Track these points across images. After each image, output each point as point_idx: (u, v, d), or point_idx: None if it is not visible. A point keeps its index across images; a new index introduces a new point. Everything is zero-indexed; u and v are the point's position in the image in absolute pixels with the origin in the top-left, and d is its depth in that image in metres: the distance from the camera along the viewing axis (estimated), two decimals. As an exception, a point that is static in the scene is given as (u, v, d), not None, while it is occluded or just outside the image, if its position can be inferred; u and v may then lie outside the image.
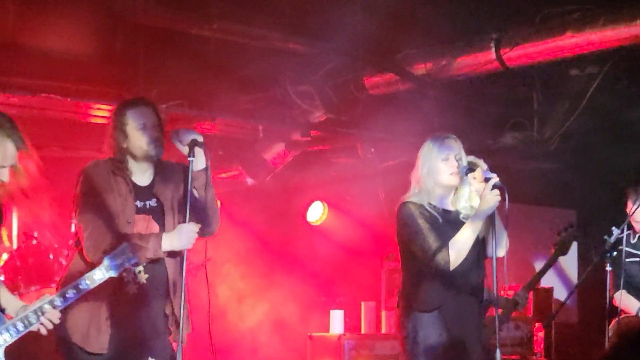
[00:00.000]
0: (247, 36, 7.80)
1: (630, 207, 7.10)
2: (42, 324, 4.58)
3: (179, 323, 5.27)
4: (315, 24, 7.81)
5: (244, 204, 10.20)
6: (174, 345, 5.43)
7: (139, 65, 8.11)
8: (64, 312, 4.79)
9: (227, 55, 8.03)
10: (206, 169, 5.32)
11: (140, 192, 5.34)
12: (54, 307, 4.59)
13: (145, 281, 5.27)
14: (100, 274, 4.71)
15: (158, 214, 5.36)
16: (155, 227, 5.34)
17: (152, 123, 5.35)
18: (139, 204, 5.29)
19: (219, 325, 9.23)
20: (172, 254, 5.34)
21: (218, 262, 9.65)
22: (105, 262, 4.73)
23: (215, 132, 9.02)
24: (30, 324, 4.55)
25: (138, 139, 5.32)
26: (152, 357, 5.36)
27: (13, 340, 4.54)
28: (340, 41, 7.89)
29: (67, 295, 4.63)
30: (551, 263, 7.36)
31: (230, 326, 9.95)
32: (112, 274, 4.76)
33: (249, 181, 9.77)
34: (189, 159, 5.22)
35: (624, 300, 7.17)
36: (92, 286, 4.71)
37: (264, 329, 9.98)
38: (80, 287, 4.68)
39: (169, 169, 5.49)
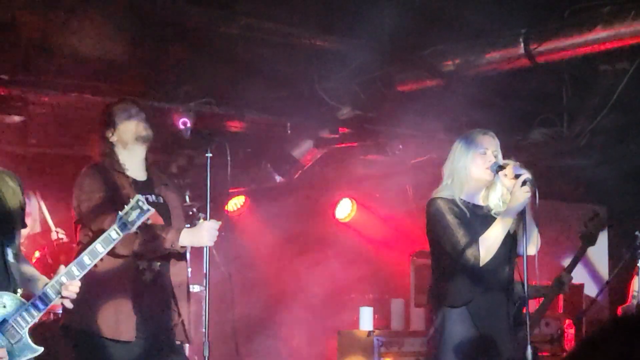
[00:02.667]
0: (274, 33, 7.79)
1: None
2: (63, 297, 4.49)
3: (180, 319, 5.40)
4: (343, 20, 7.80)
5: (272, 201, 10.20)
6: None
7: (168, 63, 8.13)
8: (90, 308, 4.83)
9: (255, 53, 8.03)
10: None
11: (140, 187, 5.45)
12: (73, 277, 4.51)
13: (159, 268, 5.35)
14: (115, 234, 4.64)
15: (162, 210, 5.45)
16: (160, 220, 5.42)
17: (137, 111, 5.61)
18: (141, 197, 5.38)
19: (245, 319, 9.26)
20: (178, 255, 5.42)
21: (246, 259, 9.66)
22: (118, 220, 4.65)
23: (244, 130, 9.03)
24: (50, 300, 4.47)
25: (126, 125, 5.54)
26: (177, 341, 5.46)
27: (36, 319, 4.48)
28: (368, 38, 7.87)
29: (84, 263, 4.54)
30: (580, 255, 7.32)
31: (258, 321, 9.95)
32: (127, 230, 4.66)
33: (278, 178, 9.77)
34: (207, 155, 5.35)
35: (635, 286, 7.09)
36: (108, 248, 4.62)
37: (292, 324, 9.98)
38: (97, 249, 4.58)
39: (164, 176, 5.67)
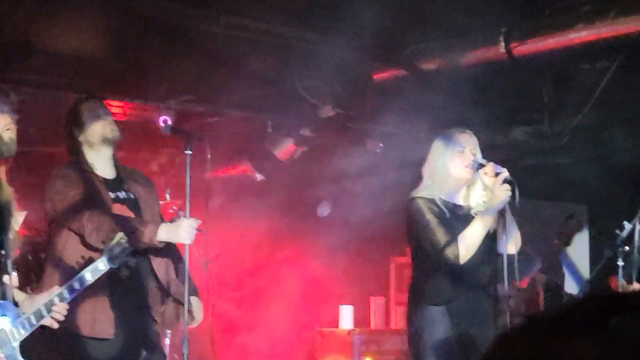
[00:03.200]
0: (255, 31, 7.77)
1: None
2: (52, 317, 4.65)
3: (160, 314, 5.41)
4: (324, 18, 7.78)
5: (252, 199, 10.17)
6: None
7: (148, 61, 8.09)
8: (71, 307, 4.85)
9: (236, 51, 8.01)
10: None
11: (110, 184, 5.45)
12: (62, 299, 4.67)
13: (135, 264, 5.34)
14: (102, 266, 4.84)
15: (132, 206, 5.44)
16: (132, 216, 5.43)
17: (105, 112, 5.56)
18: (111, 194, 5.39)
19: (224, 316, 9.24)
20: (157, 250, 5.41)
21: (226, 257, 9.64)
22: (105, 254, 4.83)
23: (224, 128, 9.00)
24: (42, 317, 4.67)
25: (94, 125, 5.49)
26: (150, 344, 5.45)
27: (28, 334, 4.63)
28: (349, 36, 7.86)
29: (74, 287, 4.75)
30: (556, 255, 7.35)
31: (237, 318, 9.93)
32: (114, 265, 4.88)
33: (258, 176, 9.75)
34: (186, 152, 5.34)
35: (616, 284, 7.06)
36: (96, 277, 4.84)
37: (272, 322, 9.96)
38: (85, 279, 4.80)
39: (133, 172, 5.65)
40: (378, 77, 8.51)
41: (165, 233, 5.29)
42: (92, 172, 5.48)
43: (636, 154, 9.26)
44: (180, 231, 5.27)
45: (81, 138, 5.52)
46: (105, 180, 5.49)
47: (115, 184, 5.51)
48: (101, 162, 5.53)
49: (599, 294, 1.07)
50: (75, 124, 5.53)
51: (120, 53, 7.86)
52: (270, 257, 10.23)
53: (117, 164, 5.64)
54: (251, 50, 8.06)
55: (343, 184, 10.49)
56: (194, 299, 5.57)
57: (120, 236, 4.88)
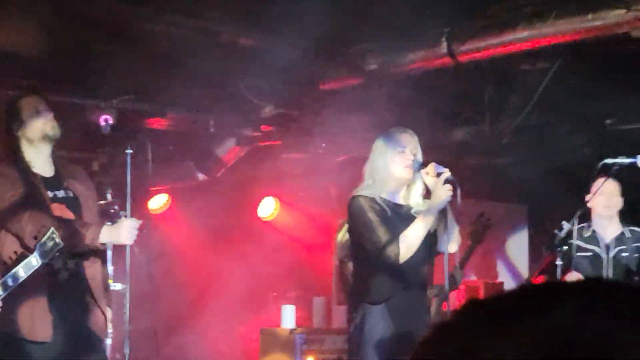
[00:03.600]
0: (198, 31, 7.74)
1: (596, 187, 6.97)
2: None
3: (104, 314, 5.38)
4: (267, 18, 7.77)
5: (195, 199, 10.14)
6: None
7: (90, 60, 8.02)
8: (7, 308, 4.81)
9: (179, 50, 7.97)
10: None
11: (48, 183, 5.39)
12: None
13: (74, 266, 5.29)
14: (35, 261, 4.86)
15: (71, 205, 5.39)
16: (71, 216, 5.37)
17: (45, 108, 5.48)
18: (50, 193, 5.33)
19: (167, 317, 9.19)
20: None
21: (169, 257, 9.60)
22: (37, 249, 4.83)
23: (166, 127, 8.96)
24: None
25: (34, 122, 5.42)
26: (90, 345, 5.41)
27: None
28: (292, 36, 7.86)
29: (7, 284, 4.71)
30: (469, 253, 7.45)
31: (180, 319, 9.89)
32: (45, 260, 4.90)
33: (200, 176, 9.72)
34: (127, 152, 5.31)
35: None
36: (29, 273, 4.85)
37: (215, 322, 9.94)
38: (18, 275, 4.82)
39: (71, 168, 5.58)
40: (321, 77, 8.52)
41: (107, 235, 5.26)
42: (30, 171, 5.40)
43: (576, 155, 9.37)
44: (122, 232, 5.24)
45: (19, 134, 5.44)
46: (43, 179, 5.42)
47: (54, 182, 5.44)
48: (40, 159, 5.46)
49: (539, 283, 1.08)
50: (14, 119, 5.44)
51: (61, 51, 7.79)
52: (213, 257, 10.20)
53: (56, 161, 5.57)
54: (194, 50, 8.03)
55: (286, 184, 10.50)
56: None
57: (51, 231, 4.84)
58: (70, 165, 5.73)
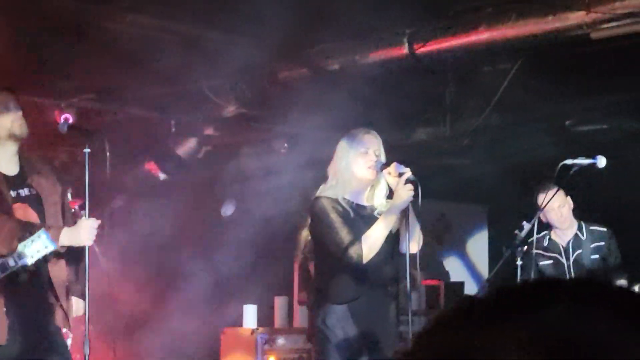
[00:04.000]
0: (159, 29, 7.71)
1: (540, 201, 7.05)
2: None
3: (66, 313, 5.33)
4: (228, 17, 7.76)
5: (155, 199, 10.10)
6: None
7: (49, 58, 7.97)
8: None
9: (139, 48, 7.93)
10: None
11: (11, 182, 5.32)
12: None
13: (34, 268, 5.25)
14: (12, 262, 4.86)
15: (34, 203, 5.34)
16: (33, 215, 5.32)
17: (15, 106, 5.38)
18: (12, 193, 5.27)
19: (128, 317, 9.15)
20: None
21: (129, 257, 9.55)
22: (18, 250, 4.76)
23: (127, 127, 8.92)
24: None
25: (2, 118, 5.34)
26: (51, 346, 5.37)
27: None
28: (253, 35, 7.85)
29: None
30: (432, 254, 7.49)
31: (140, 319, 9.85)
32: (24, 262, 4.87)
33: (161, 176, 9.68)
34: (85, 151, 5.27)
35: None
36: (3, 275, 4.85)
37: (176, 322, 9.89)
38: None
39: (37, 163, 5.51)
40: (283, 76, 8.51)
41: (67, 238, 5.22)
42: None
43: (535, 155, 9.43)
44: (81, 233, 5.21)
45: None
46: (6, 177, 5.35)
47: (17, 181, 5.37)
48: (4, 157, 5.39)
49: (534, 281, 1.07)
50: None
51: (21, 50, 7.74)
52: (174, 257, 10.17)
53: (22, 158, 5.49)
54: (155, 49, 8.00)
55: (247, 184, 10.49)
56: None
57: (39, 233, 4.83)
58: (37, 160, 5.63)
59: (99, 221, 5.28)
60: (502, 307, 1.02)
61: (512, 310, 1.01)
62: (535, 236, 6.86)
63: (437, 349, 1.01)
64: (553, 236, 7.37)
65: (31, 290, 5.32)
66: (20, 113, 5.41)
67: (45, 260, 5.32)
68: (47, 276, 5.39)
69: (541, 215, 7.13)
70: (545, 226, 7.39)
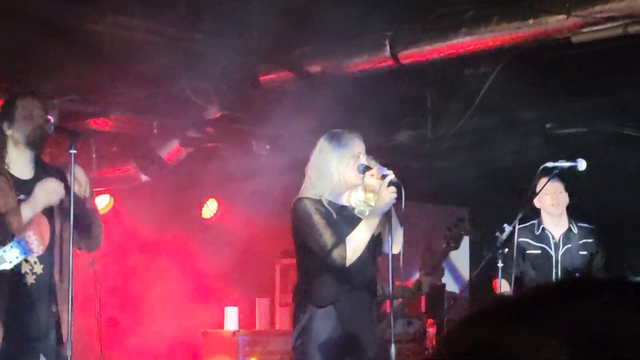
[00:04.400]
0: (142, 31, 7.71)
1: (540, 185, 7.05)
2: None
3: (60, 322, 5.30)
4: (211, 19, 7.77)
5: (137, 200, 10.09)
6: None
7: (31, 59, 7.96)
8: None
9: (122, 50, 7.93)
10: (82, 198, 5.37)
11: (23, 186, 5.30)
12: None
13: (42, 271, 5.24)
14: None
15: (45, 209, 5.31)
16: (44, 220, 5.30)
17: (39, 113, 5.36)
18: (22, 197, 5.25)
19: (111, 319, 9.14)
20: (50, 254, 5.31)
21: (110, 258, 9.54)
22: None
23: (109, 128, 8.91)
24: None
25: (24, 124, 5.31)
26: (43, 355, 5.34)
27: None
28: (236, 37, 7.86)
29: None
30: (442, 258, 7.47)
31: (123, 320, 9.84)
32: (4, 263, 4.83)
33: (143, 178, 9.68)
34: (70, 152, 5.24)
35: (499, 285, 7.19)
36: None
37: (158, 324, 9.90)
38: None
39: (50, 170, 5.48)
40: (265, 78, 8.52)
41: (27, 208, 5.18)
42: (6, 174, 5.30)
43: (516, 158, 9.48)
44: (38, 195, 5.18)
45: (9, 133, 5.35)
46: (17, 181, 5.31)
47: (28, 185, 5.32)
48: (20, 162, 5.34)
49: (568, 279, 1.06)
50: (6, 117, 5.35)
51: (3, 51, 7.73)
52: (156, 258, 10.17)
53: (38, 165, 5.45)
54: (137, 50, 7.99)
55: (229, 185, 10.49)
56: None
57: (18, 239, 4.82)
58: (51, 167, 5.61)
59: (62, 184, 5.23)
60: (532, 305, 1.01)
61: (543, 307, 1.00)
62: (517, 226, 6.87)
63: (467, 344, 1.00)
64: (546, 226, 7.40)
65: (34, 294, 5.29)
66: (41, 121, 5.35)
67: (53, 264, 5.31)
68: (50, 284, 5.35)
69: (535, 201, 7.17)
70: (534, 217, 7.43)
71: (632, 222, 9.50)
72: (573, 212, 7.48)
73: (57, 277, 5.38)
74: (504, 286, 7.15)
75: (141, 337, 9.94)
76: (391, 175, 5.26)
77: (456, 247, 7.40)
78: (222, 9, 7.58)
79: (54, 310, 5.39)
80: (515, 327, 0.99)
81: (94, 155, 5.45)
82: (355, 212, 5.50)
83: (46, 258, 5.30)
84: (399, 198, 5.24)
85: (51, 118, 5.51)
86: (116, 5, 7.44)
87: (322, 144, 5.51)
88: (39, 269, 5.27)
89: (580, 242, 7.36)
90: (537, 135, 9.38)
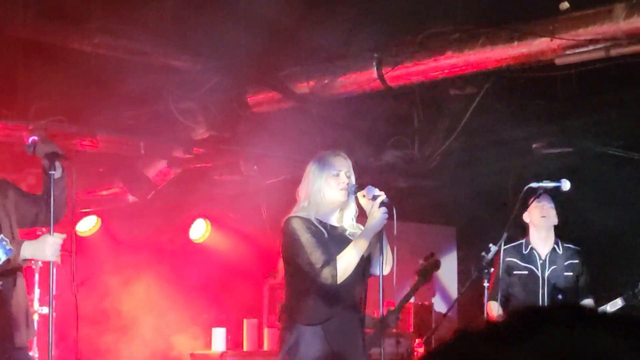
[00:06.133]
0: (128, 52, 7.73)
1: (530, 200, 7.08)
2: None
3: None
4: (198, 40, 7.79)
5: (125, 221, 10.08)
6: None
7: (18, 80, 7.96)
8: None
9: (109, 71, 7.95)
10: (62, 177, 5.37)
11: None
12: None
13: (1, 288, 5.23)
14: None
15: None
16: None
17: None
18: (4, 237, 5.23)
19: (95, 341, 9.11)
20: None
21: (98, 280, 9.53)
22: None
23: (96, 149, 8.91)
24: None
25: None
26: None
27: None
28: (223, 58, 7.88)
29: None
30: (415, 289, 7.48)
31: (108, 342, 9.81)
32: None
33: (131, 198, 9.67)
34: (50, 172, 5.24)
35: (490, 308, 7.20)
36: None
37: (144, 345, 9.86)
38: None
39: (5, 184, 5.47)
40: (252, 99, 8.55)
41: (29, 250, 5.18)
42: None
43: (502, 178, 9.52)
44: (46, 247, 5.17)
45: None
46: None
47: None
48: None
49: (526, 308, 1.12)
50: None
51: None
52: (143, 279, 10.15)
53: None
54: (124, 71, 8.01)
55: (217, 206, 10.49)
56: None
57: (1, 237, 4.80)
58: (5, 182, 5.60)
59: (64, 235, 5.24)
60: (516, 329, 1.06)
61: (524, 333, 1.05)
62: (503, 247, 6.87)
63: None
64: (534, 244, 7.41)
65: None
66: None
67: (9, 279, 5.29)
68: (11, 298, 5.35)
69: (524, 216, 7.19)
70: (520, 237, 7.45)
71: (616, 241, 9.54)
72: (558, 231, 7.50)
73: (15, 299, 5.37)
74: (495, 309, 7.18)
75: (128, 358, 9.91)
76: (382, 196, 5.29)
77: (427, 280, 7.43)
78: (209, 31, 7.60)
79: (13, 332, 5.38)
80: (510, 352, 1.04)
81: (73, 177, 5.45)
82: (347, 234, 5.51)
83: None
84: (390, 219, 5.26)
85: (35, 138, 5.50)
86: (103, 26, 7.46)
87: (310, 166, 5.55)
88: None
89: (566, 262, 7.38)
90: (522, 155, 9.42)
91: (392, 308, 7.18)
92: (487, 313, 7.07)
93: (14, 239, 5.32)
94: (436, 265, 7.53)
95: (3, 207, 5.43)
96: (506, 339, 1.06)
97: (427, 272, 7.47)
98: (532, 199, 7.01)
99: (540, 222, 7.34)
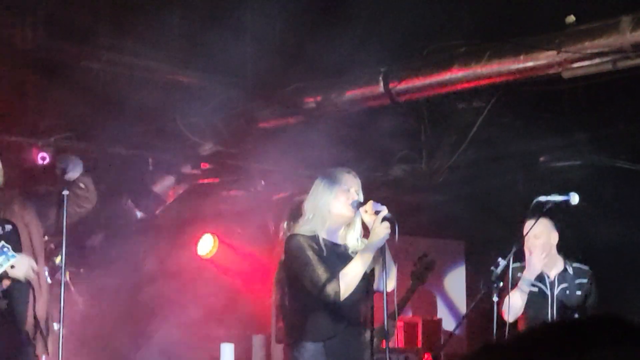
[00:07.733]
0: (136, 68, 7.76)
1: (526, 229, 7.01)
2: None
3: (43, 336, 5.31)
4: (205, 56, 7.82)
5: (132, 236, 10.09)
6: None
7: (27, 97, 7.99)
8: None
9: (117, 87, 7.98)
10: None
11: None
12: None
13: (5, 306, 5.24)
14: None
15: (10, 238, 5.33)
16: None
17: None
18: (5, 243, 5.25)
19: (104, 356, 9.10)
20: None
21: (105, 296, 9.53)
22: None
23: (105, 165, 8.92)
24: None
25: None
26: None
27: None
28: (230, 74, 7.91)
29: None
30: (412, 291, 7.47)
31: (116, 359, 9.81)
32: None
33: (139, 214, 9.68)
34: (63, 192, 5.27)
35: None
36: None
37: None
38: None
39: (8, 199, 5.50)
40: (259, 114, 8.56)
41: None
42: None
43: (510, 191, 9.50)
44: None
45: None
46: None
47: None
48: None
49: (573, 321, 1.08)
50: None
51: (-1, 89, 7.77)
52: (150, 296, 10.15)
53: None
54: (132, 87, 8.04)
55: (225, 221, 10.49)
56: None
57: (2, 244, 4.83)
58: (9, 192, 5.61)
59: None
60: (561, 346, 1.03)
61: (560, 350, 1.02)
62: (512, 265, 6.81)
63: None
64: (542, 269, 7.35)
65: (6, 323, 5.30)
66: None
67: (20, 296, 5.31)
68: (20, 314, 5.36)
69: (525, 247, 7.11)
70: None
71: (625, 256, 9.51)
72: (566, 246, 7.46)
73: (31, 311, 5.39)
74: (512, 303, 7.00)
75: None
76: (385, 211, 5.28)
77: (422, 282, 7.41)
78: (216, 47, 7.62)
79: (25, 346, 5.40)
80: None
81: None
82: (349, 252, 5.50)
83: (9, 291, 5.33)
84: (392, 234, 5.25)
85: (45, 155, 5.53)
86: (111, 43, 7.49)
87: (317, 182, 5.55)
88: (3, 303, 5.29)
89: (576, 281, 7.31)
90: (530, 168, 9.41)
91: (390, 314, 7.17)
92: (501, 313, 6.94)
93: (34, 250, 5.34)
94: (430, 266, 7.54)
95: (22, 219, 5.45)
96: (550, 357, 1.03)
97: (422, 274, 7.49)
98: (529, 226, 6.89)
99: (542, 249, 7.18)
